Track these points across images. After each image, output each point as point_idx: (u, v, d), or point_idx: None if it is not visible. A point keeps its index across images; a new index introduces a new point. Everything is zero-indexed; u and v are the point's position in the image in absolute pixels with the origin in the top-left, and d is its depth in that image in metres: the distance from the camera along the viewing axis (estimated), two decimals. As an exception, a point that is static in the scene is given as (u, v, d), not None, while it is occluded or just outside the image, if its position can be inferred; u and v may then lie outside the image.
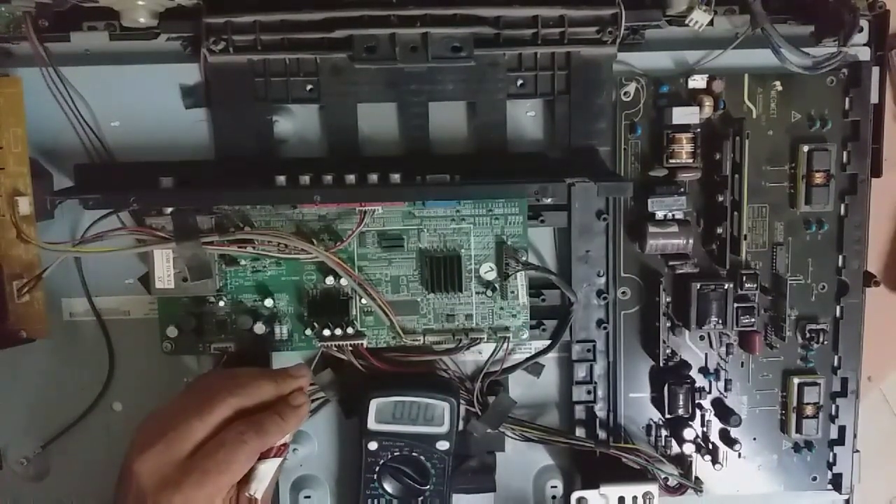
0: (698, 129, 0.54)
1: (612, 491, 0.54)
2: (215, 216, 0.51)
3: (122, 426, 0.57)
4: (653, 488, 0.54)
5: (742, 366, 0.58)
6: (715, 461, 0.57)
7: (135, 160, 0.54)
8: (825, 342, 0.57)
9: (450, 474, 0.54)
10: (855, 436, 0.58)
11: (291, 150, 0.56)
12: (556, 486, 0.59)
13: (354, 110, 0.54)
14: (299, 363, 0.54)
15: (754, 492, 0.59)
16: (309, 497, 0.58)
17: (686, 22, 0.52)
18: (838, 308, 0.57)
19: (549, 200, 0.54)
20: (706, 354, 0.58)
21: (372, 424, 0.54)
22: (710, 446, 0.57)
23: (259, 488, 0.47)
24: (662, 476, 0.57)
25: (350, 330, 0.53)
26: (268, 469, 0.47)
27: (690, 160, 0.54)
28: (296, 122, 0.55)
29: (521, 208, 0.53)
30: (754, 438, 0.58)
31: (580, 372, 0.57)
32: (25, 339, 0.53)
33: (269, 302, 0.53)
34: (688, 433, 0.56)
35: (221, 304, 0.53)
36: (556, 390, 0.58)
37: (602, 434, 0.57)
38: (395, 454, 0.54)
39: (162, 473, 0.43)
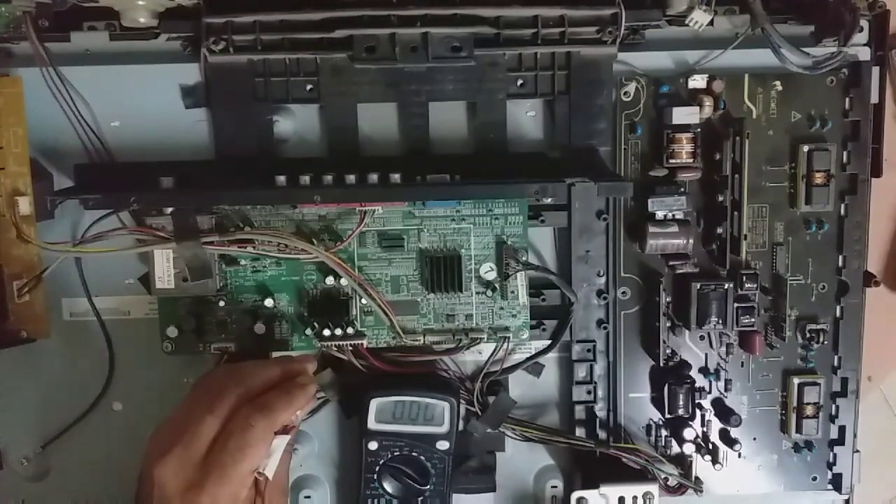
0: (698, 129, 0.54)
1: (612, 491, 0.54)
2: (215, 216, 0.51)
3: (122, 426, 0.57)
4: (653, 488, 0.54)
5: (742, 366, 0.58)
6: (715, 461, 0.57)
7: (135, 160, 0.54)
8: (825, 342, 0.57)
9: (450, 474, 0.54)
10: (855, 436, 0.58)
11: (291, 150, 0.56)
12: (556, 486, 0.59)
13: (354, 110, 0.54)
14: (303, 353, 0.54)
15: (754, 492, 0.59)
16: (309, 497, 0.58)
17: (686, 22, 0.52)
18: (838, 308, 0.57)
19: (549, 200, 0.53)
20: (706, 354, 0.58)
21: (372, 424, 0.54)
22: (710, 446, 0.57)
23: (268, 465, 0.46)
24: (662, 476, 0.57)
25: (350, 330, 0.53)
26: (276, 445, 0.47)
27: (690, 160, 0.54)
28: (296, 122, 0.55)
29: (521, 208, 0.53)
30: (754, 438, 0.58)
31: (580, 372, 0.57)
32: (25, 339, 0.53)
33: (269, 302, 0.53)
34: (688, 433, 0.56)
35: (221, 304, 0.53)
36: (556, 390, 0.58)
37: (602, 434, 0.57)
38: (395, 454, 0.54)
39: (184, 476, 0.43)
